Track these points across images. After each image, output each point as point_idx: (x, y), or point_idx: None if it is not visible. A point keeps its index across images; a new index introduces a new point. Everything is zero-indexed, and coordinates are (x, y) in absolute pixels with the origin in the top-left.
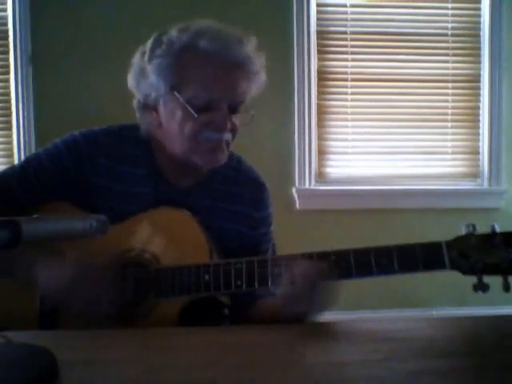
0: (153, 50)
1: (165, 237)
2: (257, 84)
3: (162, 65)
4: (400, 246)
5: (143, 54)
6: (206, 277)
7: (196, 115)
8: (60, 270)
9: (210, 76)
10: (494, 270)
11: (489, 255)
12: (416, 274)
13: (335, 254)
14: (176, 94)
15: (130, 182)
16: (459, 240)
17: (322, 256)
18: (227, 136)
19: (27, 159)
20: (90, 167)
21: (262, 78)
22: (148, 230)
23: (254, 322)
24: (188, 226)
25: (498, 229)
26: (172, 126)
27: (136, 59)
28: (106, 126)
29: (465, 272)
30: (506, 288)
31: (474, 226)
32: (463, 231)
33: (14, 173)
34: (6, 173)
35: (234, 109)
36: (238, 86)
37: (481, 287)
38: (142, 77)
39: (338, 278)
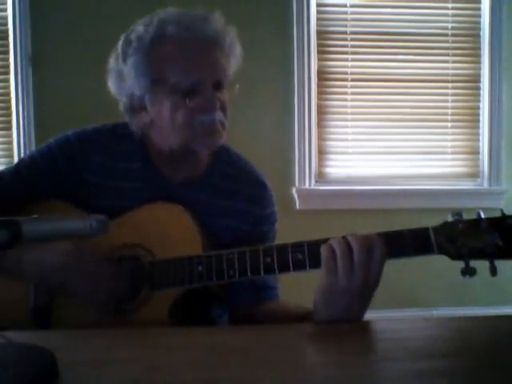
0: (124, 50)
1: (158, 231)
2: (234, 57)
3: (137, 62)
4: (389, 233)
5: (117, 57)
6: (199, 267)
7: (185, 101)
8: (53, 254)
9: (186, 58)
10: (480, 254)
11: (475, 240)
12: (405, 258)
13: (324, 241)
14: (159, 86)
15: (123, 178)
16: (446, 226)
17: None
18: (219, 115)
19: (21, 159)
20: (83, 165)
21: (237, 50)
22: (141, 224)
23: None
24: (181, 221)
25: (483, 215)
26: (164, 119)
27: (111, 64)
28: (101, 125)
29: (452, 257)
30: (493, 272)
31: (460, 214)
32: (450, 219)
33: (8, 172)
34: (1, 173)
35: (218, 86)
36: (216, 62)
37: (468, 271)
38: (121, 79)
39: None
